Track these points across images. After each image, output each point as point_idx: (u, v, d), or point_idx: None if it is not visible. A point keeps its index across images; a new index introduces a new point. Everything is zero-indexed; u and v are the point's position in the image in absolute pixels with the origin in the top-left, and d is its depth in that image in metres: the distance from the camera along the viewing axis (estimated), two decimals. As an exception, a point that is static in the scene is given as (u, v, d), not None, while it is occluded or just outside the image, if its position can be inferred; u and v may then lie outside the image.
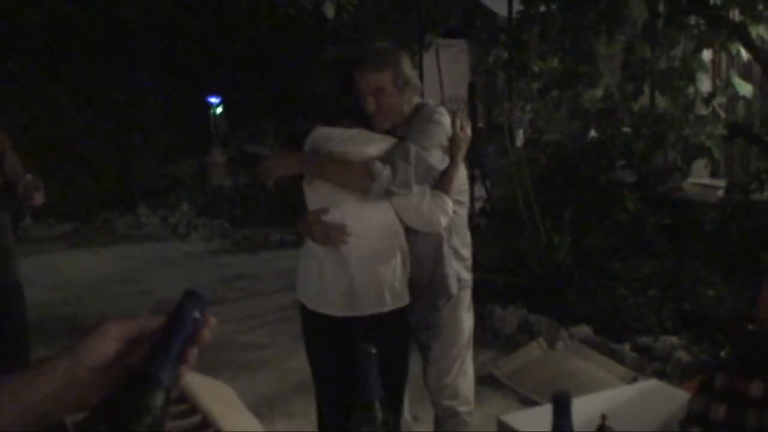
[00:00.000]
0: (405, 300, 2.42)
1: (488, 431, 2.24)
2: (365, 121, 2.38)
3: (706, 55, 5.63)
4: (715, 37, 4.81)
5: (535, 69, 6.13)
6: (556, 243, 5.42)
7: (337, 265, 2.37)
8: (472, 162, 2.64)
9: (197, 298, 0.87)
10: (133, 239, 8.80)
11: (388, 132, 2.39)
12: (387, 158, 2.28)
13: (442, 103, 5.52)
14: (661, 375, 3.79)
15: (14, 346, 3.17)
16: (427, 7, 6.60)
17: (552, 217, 5.62)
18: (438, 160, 2.38)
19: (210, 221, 9.09)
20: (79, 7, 8.81)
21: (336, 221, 2.34)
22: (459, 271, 2.58)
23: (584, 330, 4.58)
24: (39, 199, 3.02)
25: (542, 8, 5.43)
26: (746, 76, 5.73)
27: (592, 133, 6.24)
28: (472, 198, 5.57)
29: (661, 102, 5.87)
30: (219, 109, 10.56)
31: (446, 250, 2.51)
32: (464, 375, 2.65)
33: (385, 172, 2.24)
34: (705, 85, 5.71)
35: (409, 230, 2.43)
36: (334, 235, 2.33)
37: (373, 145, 2.32)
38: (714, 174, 6.30)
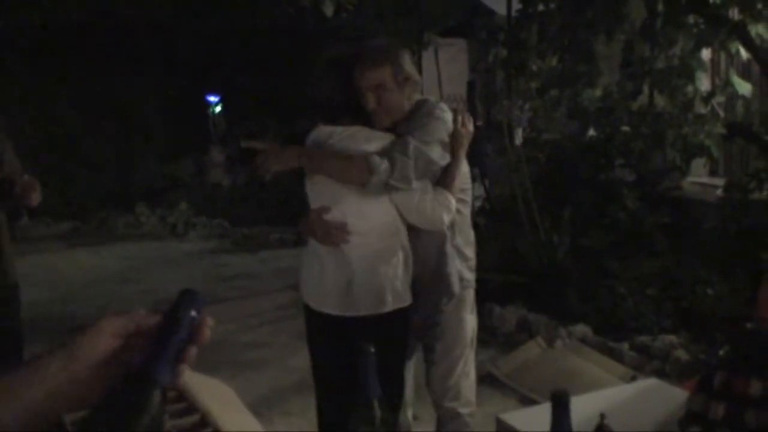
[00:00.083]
0: (407, 300, 2.39)
1: (487, 430, 2.24)
2: (366, 120, 2.36)
3: (705, 54, 5.64)
4: (714, 36, 4.81)
5: (534, 68, 6.12)
6: (555, 242, 5.43)
7: (338, 264, 2.35)
8: (471, 161, 2.61)
9: (193, 297, 0.87)
10: (131, 238, 8.80)
11: (388, 129, 2.37)
12: (386, 152, 2.26)
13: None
14: (660, 374, 3.79)
15: (6, 350, 3.14)
16: (427, 6, 6.60)
17: (551, 215, 5.62)
18: (438, 155, 2.33)
19: (209, 220, 9.10)
20: (79, 7, 8.79)
21: (337, 220, 2.32)
22: (461, 270, 2.55)
23: (583, 329, 4.58)
24: (35, 198, 3.01)
25: (541, 7, 5.43)
26: (745, 75, 5.74)
27: (591, 132, 6.24)
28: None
29: (660, 101, 5.87)
30: (218, 108, 10.55)
31: (449, 248, 2.47)
32: (466, 376, 2.63)
33: (384, 165, 2.22)
34: (704, 84, 5.72)
35: (411, 228, 2.39)
36: (335, 234, 2.31)
37: (374, 143, 2.30)
38: (713, 173, 6.31)
